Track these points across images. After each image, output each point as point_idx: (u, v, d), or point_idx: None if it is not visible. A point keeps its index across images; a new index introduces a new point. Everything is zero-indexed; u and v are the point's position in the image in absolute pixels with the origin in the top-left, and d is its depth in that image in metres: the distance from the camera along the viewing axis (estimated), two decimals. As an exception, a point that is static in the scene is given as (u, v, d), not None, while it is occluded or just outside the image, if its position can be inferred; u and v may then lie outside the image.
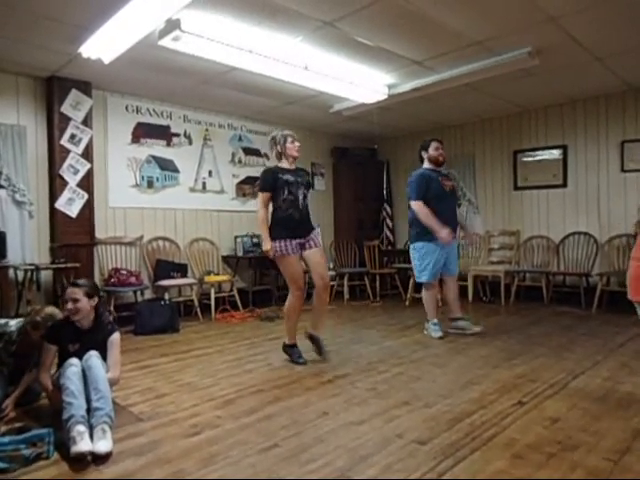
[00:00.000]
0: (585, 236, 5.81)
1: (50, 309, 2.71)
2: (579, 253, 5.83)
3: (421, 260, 4.24)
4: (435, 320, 4.31)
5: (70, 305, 2.52)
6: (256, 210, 3.54)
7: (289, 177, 3.39)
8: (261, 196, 3.42)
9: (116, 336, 2.65)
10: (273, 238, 3.35)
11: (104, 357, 2.51)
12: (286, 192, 3.36)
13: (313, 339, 3.59)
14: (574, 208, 5.98)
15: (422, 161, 4.42)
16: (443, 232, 4.05)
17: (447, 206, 4.24)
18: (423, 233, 4.19)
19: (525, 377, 3.06)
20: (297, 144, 3.50)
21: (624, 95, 5.53)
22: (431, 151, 4.34)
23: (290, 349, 3.56)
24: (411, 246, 4.38)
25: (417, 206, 4.17)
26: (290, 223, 3.36)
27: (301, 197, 3.41)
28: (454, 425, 2.32)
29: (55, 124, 4.68)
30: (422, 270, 4.24)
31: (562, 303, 5.76)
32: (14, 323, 2.66)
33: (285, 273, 3.43)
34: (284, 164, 3.50)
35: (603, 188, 5.74)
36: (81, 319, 2.55)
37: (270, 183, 3.38)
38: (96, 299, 2.62)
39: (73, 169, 4.77)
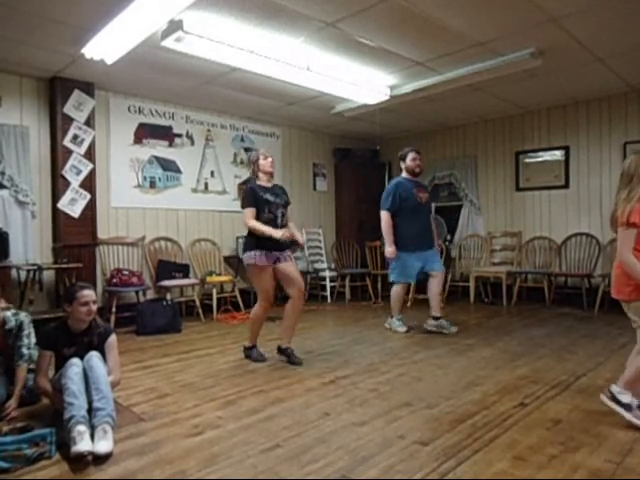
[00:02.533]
0: (587, 237, 5.80)
1: None
2: (581, 254, 5.82)
3: (393, 263, 4.56)
4: (399, 316, 4.61)
5: (93, 307, 2.57)
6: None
7: (269, 197, 3.47)
8: (249, 211, 3.45)
9: (113, 338, 2.66)
10: (249, 248, 3.43)
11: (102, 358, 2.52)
12: (266, 211, 3.45)
13: (282, 351, 3.59)
14: (576, 209, 5.97)
15: (401, 170, 4.64)
16: (389, 249, 4.45)
17: (420, 218, 4.47)
18: (404, 242, 4.47)
19: (527, 378, 3.06)
20: (269, 160, 3.56)
21: (626, 96, 5.52)
22: (408, 161, 4.54)
23: (249, 351, 3.64)
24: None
25: (383, 216, 4.48)
26: (268, 239, 3.37)
27: (279, 216, 3.50)
28: (456, 426, 2.32)
29: (58, 125, 4.69)
30: (391, 272, 4.60)
31: (564, 304, 5.75)
32: None
33: (256, 284, 3.53)
34: (262, 182, 3.56)
35: (605, 189, 5.73)
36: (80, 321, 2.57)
37: (255, 200, 3.45)
38: None
39: (76, 169, 4.78)
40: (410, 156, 4.54)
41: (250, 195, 3.48)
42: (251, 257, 3.41)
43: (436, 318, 4.49)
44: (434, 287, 4.52)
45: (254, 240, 3.43)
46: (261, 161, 3.55)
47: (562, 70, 4.73)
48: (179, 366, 3.49)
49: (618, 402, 2.28)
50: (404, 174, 4.59)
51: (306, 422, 2.40)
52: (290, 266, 3.53)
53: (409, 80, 4.98)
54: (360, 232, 7.34)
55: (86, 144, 4.84)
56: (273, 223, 3.44)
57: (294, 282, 3.50)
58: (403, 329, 4.52)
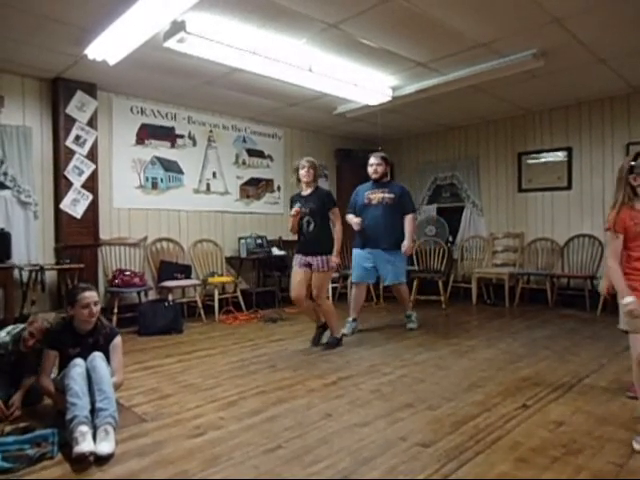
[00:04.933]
0: (590, 239, 5.78)
1: (44, 317, 2.66)
2: (583, 256, 5.81)
3: (353, 263, 4.68)
4: (350, 319, 4.61)
5: (94, 309, 2.55)
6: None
7: (297, 207, 3.94)
8: None
9: (118, 340, 2.66)
10: None
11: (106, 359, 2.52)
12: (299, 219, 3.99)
13: (318, 328, 4.15)
14: (579, 210, 5.96)
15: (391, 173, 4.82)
16: (355, 221, 4.56)
17: (370, 216, 4.51)
18: (356, 240, 4.67)
19: (529, 380, 3.05)
20: (305, 169, 3.95)
21: (629, 97, 5.51)
22: (367, 167, 4.65)
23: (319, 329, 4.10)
24: None
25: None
26: (298, 242, 4.09)
27: (305, 224, 3.94)
28: (458, 428, 2.32)
29: (60, 125, 4.70)
30: (353, 271, 4.68)
31: (566, 306, 5.73)
32: (4, 334, 2.64)
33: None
34: (302, 189, 4.05)
35: (608, 191, 5.70)
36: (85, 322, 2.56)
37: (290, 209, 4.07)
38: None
39: (78, 170, 4.79)
40: (369, 161, 4.62)
41: (290, 203, 4.13)
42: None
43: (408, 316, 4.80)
44: (398, 295, 4.74)
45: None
46: (300, 171, 3.97)
47: (564, 71, 4.72)
48: (181, 367, 3.49)
49: None
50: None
51: (308, 423, 2.40)
52: (314, 276, 3.93)
53: (411, 81, 4.98)
54: (362, 233, 7.33)
55: (88, 145, 4.85)
56: (302, 230, 3.98)
57: (313, 290, 3.99)
58: (343, 330, 4.34)
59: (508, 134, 6.56)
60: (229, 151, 6.23)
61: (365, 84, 4.88)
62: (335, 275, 6.69)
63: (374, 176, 4.58)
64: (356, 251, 4.62)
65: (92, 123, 4.88)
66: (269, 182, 6.66)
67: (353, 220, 4.53)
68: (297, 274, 3.96)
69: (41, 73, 4.59)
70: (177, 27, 3.50)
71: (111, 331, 2.67)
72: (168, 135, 5.65)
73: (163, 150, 5.60)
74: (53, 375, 2.57)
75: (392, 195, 4.52)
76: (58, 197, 4.74)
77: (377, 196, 4.52)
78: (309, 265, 3.93)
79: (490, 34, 3.87)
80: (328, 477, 1.88)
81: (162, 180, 5.59)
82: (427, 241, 6.67)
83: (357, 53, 4.23)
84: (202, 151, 5.96)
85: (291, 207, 4.02)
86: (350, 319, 4.61)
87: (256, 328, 4.94)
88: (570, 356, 3.61)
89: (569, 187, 6.03)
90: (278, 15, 3.48)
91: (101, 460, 2.00)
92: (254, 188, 6.46)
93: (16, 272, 4.30)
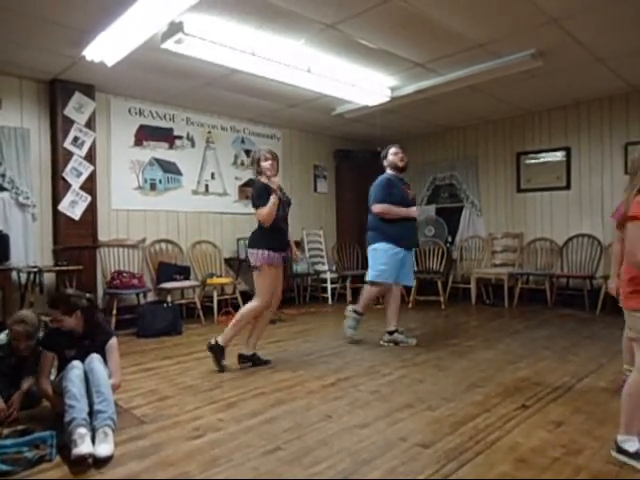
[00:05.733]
0: (589, 238, 5.79)
1: (21, 315, 2.63)
2: (583, 255, 5.81)
3: (383, 260, 4.05)
4: (395, 328, 4.16)
5: (54, 325, 2.56)
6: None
7: (280, 195, 3.43)
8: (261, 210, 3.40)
9: (114, 341, 2.64)
10: (261, 247, 3.36)
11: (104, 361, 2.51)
12: (280, 209, 3.40)
13: (249, 358, 3.54)
14: (578, 210, 5.96)
15: (384, 171, 4.26)
16: (413, 211, 4.10)
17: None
18: (388, 235, 4.06)
19: (529, 380, 3.05)
20: (269, 162, 3.46)
21: (628, 97, 5.52)
22: (390, 156, 4.19)
23: (222, 351, 3.41)
24: (372, 247, 4.17)
25: (381, 208, 4.04)
26: (280, 236, 3.45)
27: (287, 215, 3.58)
28: (458, 428, 2.31)
29: (58, 127, 4.70)
30: (383, 270, 4.05)
31: (566, 306, 5.73)
32: (4, 336, 2.63)
33: (263, 283, 3.39)
34: (265, 181, 3.46)
35: (607, 190, 5.72)
36: (71, 329, 2.55)
37: (267, 199, 3.34)
38: (79, 312, 2.54)
39: (76, 172, 4.79)
40: (391, 150, 4.19)
41: (262, 192, 3.38)
42: (264, 258, 3.34)
43: (390, 332, 4.13)
44: (396, 302, 4.16)
45: (261, 238, 3.40)
46: (262, 162, 3.47)
47: (563, 71, 4.73)
48: (180, 368, 3.49)
49: (626, 453, 1.93)
50: (389, 171, 4.21)
51: (307, 424, 2.40)
52: (281, 272, 3.54)
53: (409, 81, 4.98)
54: (361, 233, 7.30)
55: (87, 146, 4.84)
56: (284, 219, 3.49)
57: (276, 291, 3.51)
58: (413, 342, 4.13)
59: (507, 134, 6.57)
60: (228, 152, 6.22)
61: (364, 85, 4.88)
62: (334, 276, 6.71)
63: (401, 164, 4.17)
64: (394, 248, 4.03)
65: (90, 124, 4.87)
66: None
67: (411, 210, 4.07)
68: (277, 275, 3.46)
69: (39, 74, 4.58)
70: (175, 28, 3.50)
71: (106, 333, 2.66)
72: (166, 136, 5.65)
73: (161, 151, 5.60)
74: (52, 377, 2.57)
75: (414, 193, 4.36)
76: (56, 199, 4.73)
77: (411, 192, 4.25)
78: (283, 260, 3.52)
79: (488, 35, 3.88)
80: (329, 477, 1.87)
81: (160, 181, 5.58)
82: (426, 241, 6.67)
83: (355, 54, 4.23)
84: (201, 152, 5.96)
85: (267, 196, 3.33)
86: (396, 329, 4.15)
87: (255, 329, 4.92)
88: (569, 356, 3.61)
89: (568, 187, 6.03)
90: (276, 16, 3.48)
91: (100, 462, 1.99)
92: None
93: (14, 274, 4.29)
